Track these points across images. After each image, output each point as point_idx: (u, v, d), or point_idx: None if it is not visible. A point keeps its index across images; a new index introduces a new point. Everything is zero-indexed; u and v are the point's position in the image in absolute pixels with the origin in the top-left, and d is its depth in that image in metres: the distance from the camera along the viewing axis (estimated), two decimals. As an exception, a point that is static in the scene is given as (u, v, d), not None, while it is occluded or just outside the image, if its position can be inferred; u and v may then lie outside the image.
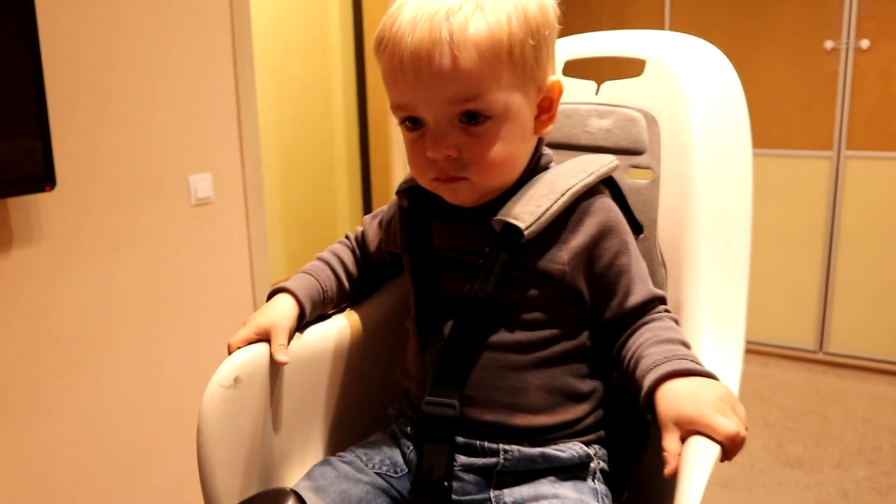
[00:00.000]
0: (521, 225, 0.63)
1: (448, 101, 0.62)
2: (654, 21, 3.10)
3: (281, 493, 0.53)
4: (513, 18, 0.61)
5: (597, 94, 0.79)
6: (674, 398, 0.55)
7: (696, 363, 0.58)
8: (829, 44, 2.72)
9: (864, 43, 2.65)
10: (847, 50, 2.69)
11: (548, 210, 0.64)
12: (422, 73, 0.61)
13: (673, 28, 3.02)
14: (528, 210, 0.64)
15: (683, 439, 0.54)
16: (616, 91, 0.78)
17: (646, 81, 0.76)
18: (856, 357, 2.86)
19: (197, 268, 1.92)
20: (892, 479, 2.17)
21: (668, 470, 0.53)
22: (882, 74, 2.68)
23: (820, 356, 2.94)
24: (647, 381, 0.58)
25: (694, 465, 0.51)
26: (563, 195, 0.65)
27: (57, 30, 1.54)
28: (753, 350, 3.11)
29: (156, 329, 1.81)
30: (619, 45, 0.79)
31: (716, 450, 0.52)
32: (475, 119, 0.62)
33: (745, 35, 2.91)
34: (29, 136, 1.41)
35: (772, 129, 2.91)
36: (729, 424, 0.52)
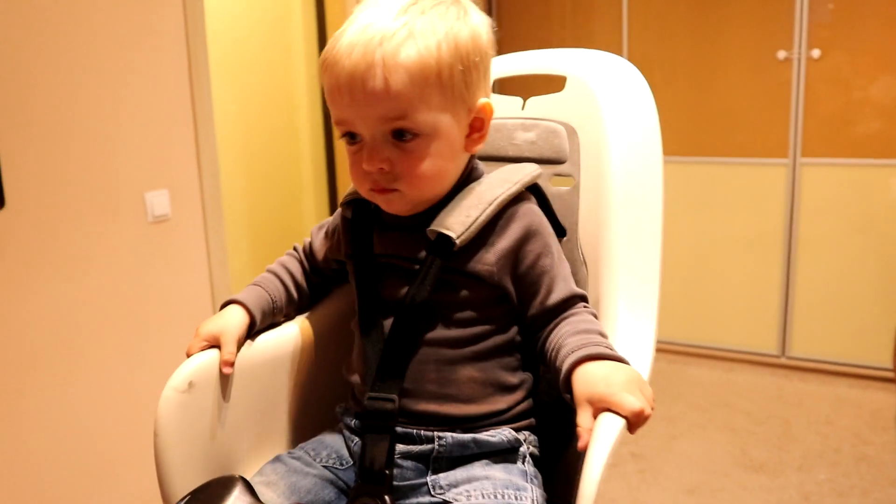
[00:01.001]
0: (453, 234, 0.72)
1: (380, 119, 0.70)
2: (612, 31, 3.25)
3: (230, 480, 0.60)
4: (443, 45, 0.70)
5: (523, 108, 0.89)
6: (587, 379, 0.64)
7: (610, 349, 0.67)
8: (781, 53, 2.88)
9: (816, 52, 2.81)
10: (799, 59, 2.85)
11: (477, 219, 0.73)
12: (356, 93, 0.69)
13: (631, 40, 3.16)
14: (459, 220, 0.73)
15: (596, 416, 0.62)
16: (540, 106, 0.87)
17: (566, 96, 0.85)
18: (818, 361, 2.99)
19: (156, 285, 1.98)
20: (852, 481, 2.28)
21: (580, 443, 0.61)
22: (833, 83, 2.84)
23: (783, 360, 3.07)
24: (566, 365, 0.66)
25: (600, 436, 0.59)
26: (490, 205, 0.74)
27: (4, 47, 1.59)
28: (717, 356, 3.24)
29: (115, 346, 1.86)
30: (542, 64, 0.89)
31: (621, 423, 0.60)
32: (405, 136, 0.71)
33: (702, 45, 3.06)
34: None
35: (729, 137, 3.06)
36: (634, 402, 0.61)
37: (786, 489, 2.26)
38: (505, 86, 0.93)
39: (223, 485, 0.59)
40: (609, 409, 0.62)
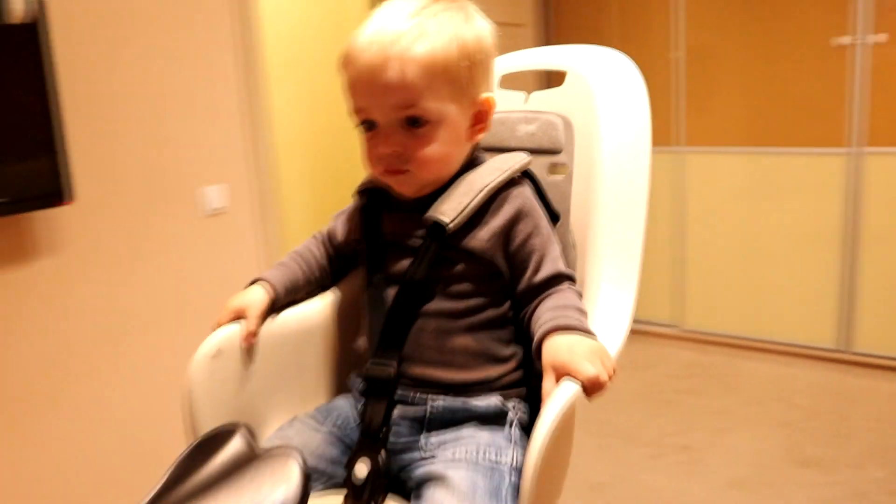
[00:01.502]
0: (446, 220, 0.82)
1: (393, 107, 0.81)
2: (667, 21, 3.25)
3: (233, 426, 0.70)
4: (450, 44, 0.80)
5: (526, 102, 0.96)
6: (553, 348, 0.72)
7: (580, 323, 0.75)
8: (841, 39, 2.83)
9: (882, 37, 2.75)
10: (861, 45, 2.79)
11: (468, 205, 0.82)
12: (374, 85, 0.80)
13: (689, 29, 3.16)
14: (452, 207, 0.82)
15: (558, 381, 0.70)
16: (541, 99, 0.95)
17: (565, 90, 0.93)
18: (881, 357, 2.94)
19: (211, 275, 2.13)
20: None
21: (544, 407, 0.69)
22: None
23: (844, 356, 3.02)
24: (537, 335, 0.75)
25: (554, 398, 0.67)
26: (480, 192, 0.83)
27: (72, 56, 1.76)
28: (775, 350, 3.21)
29: (169, 335, 2.02)
30: (545, 59, 0.96)
31: (576, 388, 0.68)
32: (415, 123, 0.81)
33: (758, 32, 3.03)
34: (46, 157, 1.63)
35: (787, 126, 3.03)
36: (591, 369, 0.69)
37: (837, 486, 2.24)
38: (508, 81, 1.01)
39: (227, 431, 0.69)
40: (569, 375, 0.69)
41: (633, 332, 3.20)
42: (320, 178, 4.52)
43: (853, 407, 2.72)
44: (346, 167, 4.69)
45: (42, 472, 1.81)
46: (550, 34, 3.52)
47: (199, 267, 2.09)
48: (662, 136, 3.36)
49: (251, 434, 0.70)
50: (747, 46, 3.07)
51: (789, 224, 3.10)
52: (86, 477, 1.89)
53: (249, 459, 0.66)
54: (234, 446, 0.68)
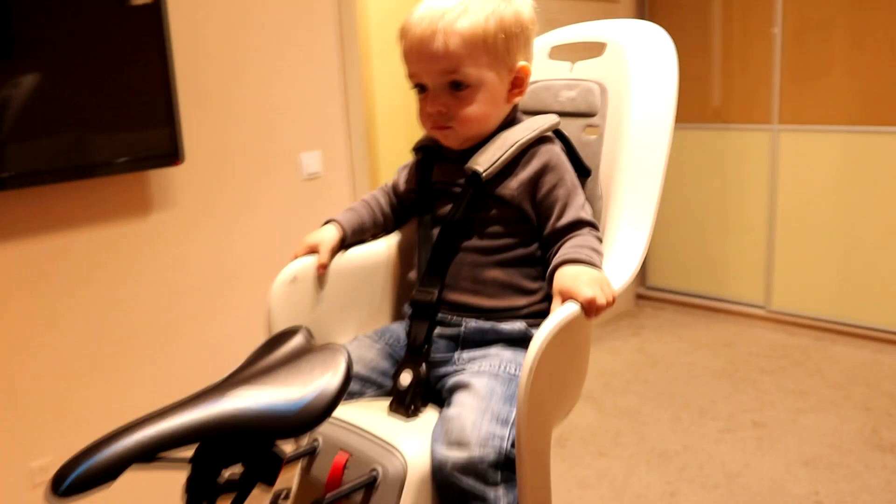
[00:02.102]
0: (480, 169, 0.97)
1: (440, 73, 0.96)
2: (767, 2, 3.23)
3: (296, 328, 0.88)
4: (489, 19, 0.95)
5: (570, 70, 1.09)
6: (561, 276, 0.87)
7: (588, 257, 0.88)
8: None
9: None
10: None
11: (500, 158, 0.97)
12: (423, 53, 0.96)
13: (788, 7, 3.14)
14: (487, 158, 0.97)
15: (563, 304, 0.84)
16: (584, 68, 1.08)
17: (605, 60, 1.05)
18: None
19: (303, 234, 2.36)
20: None
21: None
22: None
23: (941, 345, 2.95)
24: (551, 266, 0.89)
25: (555, 315, 0.81)
26: (512, 146, 0.97)
27: (186, 33, 2.01)
28: (866, 335, 3.16)
29: (266, 285, 2.27)
30: (588, 32, 1.09)
31: (575, 307, 0.82)
32: (458, 86, 0.97)
33: (863, 10, 2.98)
34: (162, 123, 1.88)
35: (888, 104, 2.96)
36: (590, 292, 0.82)
37: (914, 471, 2.25)
38: (557, 52, 1.14)
39: (291, 331, 0.87)
40: (571, 298, 0.83)
41: (719, 311, 3.35)
42: (412, 142, 4.66)
43: (944, 396, 2.68)
44: None
45: (161, 395, 2.10)
46: (646, 10, 3.55)
47: (294, 225, 2.33)
48: (757, 113, 3.35)
49: (310, 335, 0.87)
50: (850, 21, 3.02)
51: (886, 207, 3.04)
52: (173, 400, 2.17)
53: (306, 352, 0.83)
54: (296, 342, 0.86)
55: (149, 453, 0.73)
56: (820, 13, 3.08)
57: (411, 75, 1.00)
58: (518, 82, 1.00)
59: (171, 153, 1.91)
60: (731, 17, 3.38)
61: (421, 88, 1.00)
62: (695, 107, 3.50)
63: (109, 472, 0.71)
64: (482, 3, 0.95)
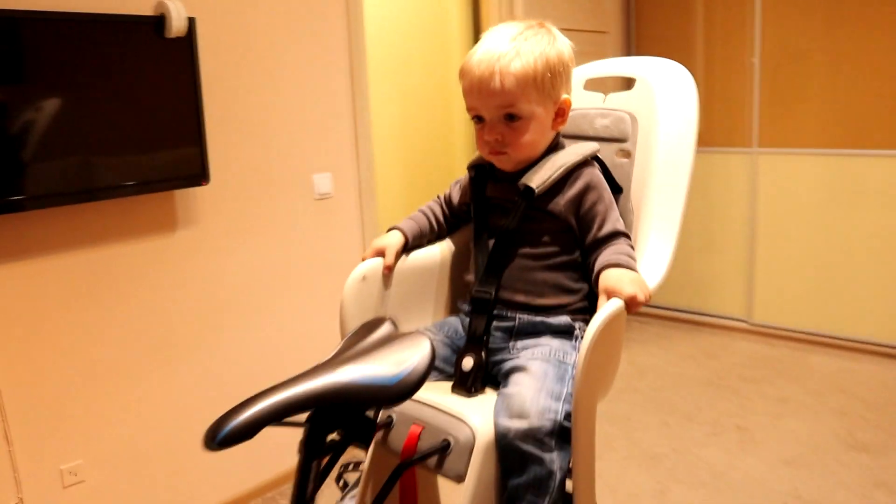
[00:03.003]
0: (534, 186, 1.16)
1: (497, 107, 1.16)
2: (742, 34, 3.50)
3: (382, 318, 1.06)
4: (538, 61, 1.15)
5: (604, 101, 1.30)
6: (605, 277, 1.07)
7: (627, 262, 1.09)
8: None
9: None
10: None
11: (550, 178, 1.17)
12: (482, 91, 1.16)
13: (765, 38, 3.41)
14: (539, 177, 1.18)
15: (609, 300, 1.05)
16: (616, 99, 1.29)
17: (635, 93, 1.26)
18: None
19: (319, 250, 2.56)
20: None
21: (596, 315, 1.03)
22: None
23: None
24: (596, 269, 1.10)
25: (604, 308, 1.02)
26: (559, 168, 1.18)
27: (213, 64, 2.22)
28: (841, 345, 3.43)
29: (286, 297, 2.46)
30: (620, 68, 1.30)
31: (619, 303, 1.02)
32: (512, 118, 1.16)
33: (839, 34, 3.26)
34: (191, 146, 2.08)
35: (865, 128, 3.24)
36: (631, 290, 1.03)
37: (886, 469, 2.48)
38: (592, 84, 1.35)
39: (379, 319, 1.06)
40: (615, 295, 1.03)
41: (703, 325, 3.65)
42: (411, 168, 5.02)
43: (914, 402, 2.93)
44: (434, 158, 5.17)
45: (185, 402, 2.26)
46: (632, 41, 3.81)
47: (308, 242, 2.53)
48: (737, 137, 3.62)
49: (394, 324, 1.06)
50: (826, 50, 3.30)
51: (861, 225, 3.32)
52: (216, 403, 2.34)
53: (394, 337, 1.02)
54: (385, 328, 1.05)
55: (278, 417, 0.90)
56: (796, 42, 3.36)
57: (470, 108, 1.20)
58: (561, 112, 1.20)
59: (199, 174, 2.10)
60: (712, 48, 3.65)
61: (479, 119, 1.20)
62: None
63: (249, 432, 0.88)
64: (531, 47, 1.14)
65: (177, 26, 1.98)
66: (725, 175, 3.70)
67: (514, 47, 1.14)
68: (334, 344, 2.24)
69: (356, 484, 1.27)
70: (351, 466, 1.28)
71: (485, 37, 1.18)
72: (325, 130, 2.55)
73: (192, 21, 2.04)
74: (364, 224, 2.73)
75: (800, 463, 2.55)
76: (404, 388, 0.96)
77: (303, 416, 0.98)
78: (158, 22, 1.97)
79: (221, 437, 0.86)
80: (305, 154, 2.50)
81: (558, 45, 1.18)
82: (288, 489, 2.65)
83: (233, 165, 2.29)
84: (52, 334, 1.95)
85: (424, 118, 5.08)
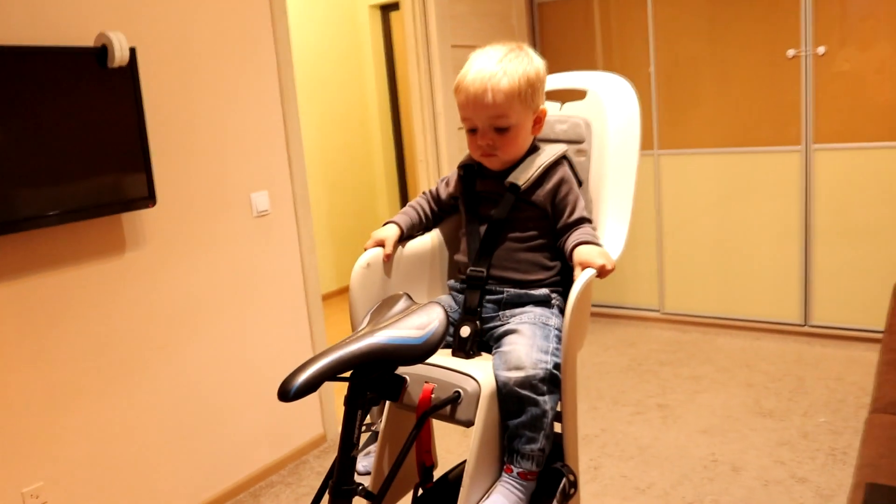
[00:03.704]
0: (520, 183, 1.45)
1: (488, 118, 1.44)
2: (640, 39, 3.95)
3: (401, 293, 1.32)
4: (522, 79, 1.43)
5: (560, 109, 1.60)
6: (579, 252, 1.38)
7: (594, 239, 1.40)
8: (790, 52, 3.56)
9: (821, 49, 3.48)
10: (806, 56, 3.52)
11: (532, 175, 1.46)
12: (476, 105, 1.43)
13: (658, 51, 3.85)
14: (524, 175, 1.46)
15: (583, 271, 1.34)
16: (571, 108, 1.59)
17: (587, 102, 1.57)
18: (835, 328, 3.67)
19: (259, 265, 2.79)
20: (849, 424, 2.92)
21: (575, 283, 1.32)
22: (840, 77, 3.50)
23: (804, 329, 3.74)
24: (569, 247, 1.41)
25: (581, 276, 1.31)
26: (539, 167, 1.47)
27: (155, 92, 2.41)
28: (745, 326, 3.91)
29: (229, 314, 2.67)
30: (573, 82, 1.60)
31: (592, 272, 1.32)
32: (501, 129, 1.44)
33: (720, 46, 3.75)
34: (137, 170, 2.27)
35: (747, 128, 3.73)
36: (600, 260, 1.34)
37: (788, 430, 2.91)
38: (550, 95, 1.65)
39: (398, 295, 1.32)
40: (588, 266, 1.33)
41: (621, 317, 4.17)
42: (336, 185, 5.31)
43: (810, 370, 3.41)
44: (354, 173, 5.48)
45: (140, 419, 2.42)
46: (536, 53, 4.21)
47: (249, 257, 2.76)
48: (642, 140, 4.07)
49: (410, 298, 1.32)
50: (711, 60, 3.78)
51: (754, 216, 3.81)
52: (166, 426, 2.51)
53: (413, 307, 1.28)
54: (403, 301, 1.30)
55: (332, 374, 1.14)
56: (686, 52, 3.83)
57: (465, 119, 1.47)
58: (538, 120, 1.50)
59: (146, 196, 2.29)
60: (613, 60, 4.09)
61: (472, 129, 1.47)
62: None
63: (312, 387, 1.11)
64: (515, 66, 1.43)
65: (119, 57, 2.14)
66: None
67: (501, 68, 1.42)
68: (281, 351, 2.57)
69: (367, 443, 1.51)
70: (363, 428, 1.52)
71: (474, 58, 1.46)
72: (260, 151, 2.78)
73: (133, 51, 2.21)
74: (301, 238, 2.96)
75: (715, 431, 2.94)
76: (430, 346, 1.22)
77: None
78: (101, 53, 2.13)
79: (294, 391, 1.10)
80: (244, 173, 2.72)
81: (535, 63, 1.47)
82: (248, 494, 2.83)
83: (177, 187, 2.48)
84: (8, 359, 2.08)
85: (343, 136, 5.39)
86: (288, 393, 1.10)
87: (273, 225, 2.85)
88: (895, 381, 2.20)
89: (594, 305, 4.41)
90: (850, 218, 3.56)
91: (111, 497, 2.33)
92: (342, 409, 1.24)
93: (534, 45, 4.19)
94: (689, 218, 4.00)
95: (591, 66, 4.11)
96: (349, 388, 1.23)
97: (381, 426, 1.47)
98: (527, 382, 1.32)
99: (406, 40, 3.60)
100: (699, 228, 3.98)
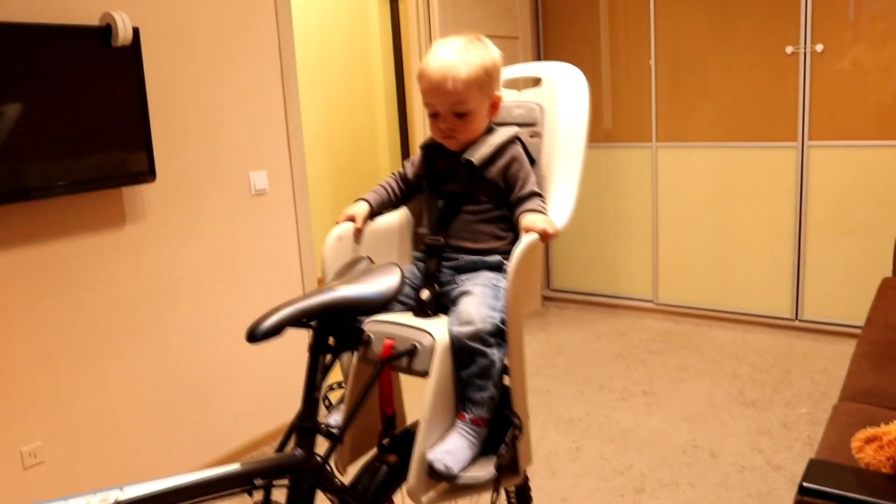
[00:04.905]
0: (474, 160, 1.70)
1: (448, 104, 1.71)
2: (642, 32, 4.19)
3: (362, 256, 1.57)
4: (480, 69, 1.70)
5: (518, 95, 1.85)
6: (525, 218, 1.65)
7: (540, 208, 1.65)
8: (789, 48, 3.78)
9: (819, 47, 3.70)
10: (804, 53, 3.74)
11: (486, 153, 1.72)
12: (438, 92, 1.70)
13: (659, 44, 4.09)
14: (479, 153, 1.72)
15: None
16: (528, 94, 1.84)
17: (542, 89, 1.82)
18: (824, 323, 3.88)
19: (256, 243, 3.06)
20: (829, 414, 3.12)
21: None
22: (837, 75, 3.72)
23: (794, 323, 3.96)
24: (517, 215, 1.66)
25: (524, 238, 1.56)
26: (492, 146, 1.73)
27: (157, 70, 2.71)
28: (736, 319, 4.15)
29: (225, 288, 2.95)
30: (530, 71, 1.85)
31: (535, 236, 1.57)
32: (460, 114, 1.69)
33: (719, 43, 3.98)
34: (138, 146, 2.56)
35: (745, 123, 3.96)
36: (542, 225, 1.60)
37: (769, 419, 3.13)
38: (508, 83, 1.90)
39: (360, 257, 1.57)
40: (531, 230, 1.58)
41: (616, 306, 4.55)
42: (338, 166, 5.59)
43: (796, 363, 3.64)
44: (359, 155, 5.76)
45: (136, 384, 2.69)
46: (541, 46, 4.46)
47: (246, 235, 3.03)
48: (639, 133, 4.30)
49: (371, 260, 1.57)
50: (713, 53, 4.02)
51: (750, 211, 4.04)
52: (168, 384, 2.78)
53: (372, 267, 1.53)
54: (365, 262, 1.56)
55: (295, 321, 1.40)
56: (688, 46, 4.07)
57: (427, 104, 1.74)
58: (494, 105, 1.76)
59: (146, 172, 2.56)
60: (615, 51, 4.34)
61: (434, 113, 1.73)
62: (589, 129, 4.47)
63: (277, 331, 1.37)
64: (473, 56, 1.69)
65: (123, 36, 2.42)
66: (629, 168, 4.37)
67: (461, 58, 1.68)
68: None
69: (339, 402, 1.77)
70: (335, 386, 1.77)
71: (436, 48, 1.72)
72: (260, 130, 3.04)
73: (136, 31, 2.48)
74: (298, 218, 3.23)
75: (697, 418, 3.17)
76: (385, 299, 1.49)
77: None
78: (105, 32, 2.40)
79: (261, 333, 1.35)
80: (243, 153, 2.99)
81: (492, 53, 1.73)
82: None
83: (177, 164, 2.75)
84: (9, 324, 2.37)
85: (348, 120, 5.67)
86: (255, 334, 1.35)
87: (271, 204, 3.12)
88: (865, 371, 2.44)
89: (588, 294, 4.67)
90: (842, 215, 3.79)
91: (107, 458, 2.60)
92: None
93: (536, 33, 4.45)
94: (685, 210, 4.24)
95: (592, 55, 4.36)
96: (313, 336, 1.48)
97: (350, 377, 1.72)
98: (476, 336, 1.57)
99: (409, 27, 3.86)
100: (695, 221, 4.22)
